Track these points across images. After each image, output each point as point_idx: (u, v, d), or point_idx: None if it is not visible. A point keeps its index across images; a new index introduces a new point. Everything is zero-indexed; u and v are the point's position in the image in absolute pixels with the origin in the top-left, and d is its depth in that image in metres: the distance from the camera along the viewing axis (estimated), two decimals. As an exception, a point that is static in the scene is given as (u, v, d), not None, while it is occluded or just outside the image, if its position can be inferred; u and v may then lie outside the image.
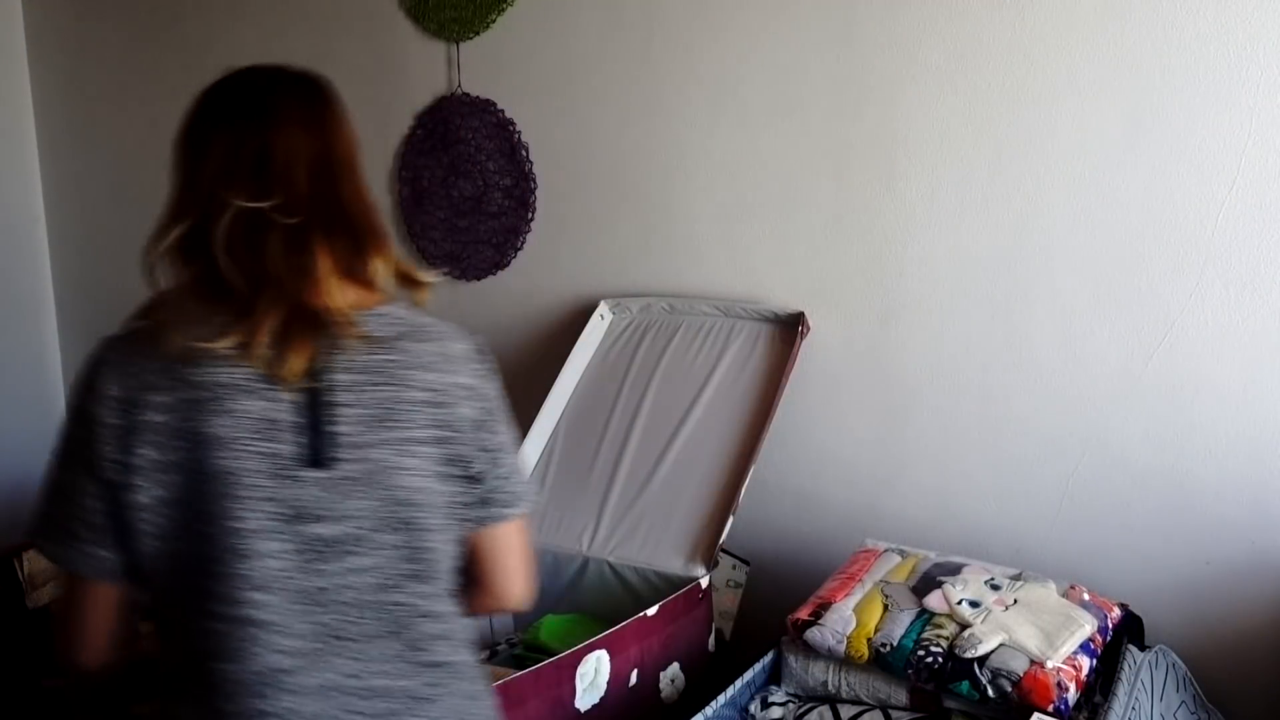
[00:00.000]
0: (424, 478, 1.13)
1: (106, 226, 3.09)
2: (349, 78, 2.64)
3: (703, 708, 1.59)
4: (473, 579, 1.21)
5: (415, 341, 1.16)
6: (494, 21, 2.41)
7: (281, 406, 1.08)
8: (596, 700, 1.62)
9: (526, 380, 2.44)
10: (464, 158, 2.50)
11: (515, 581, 1.23)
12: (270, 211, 1.11)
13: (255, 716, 1.09)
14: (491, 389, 1.20)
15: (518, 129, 2.43)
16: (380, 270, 1.16)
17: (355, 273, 1.14)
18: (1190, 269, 1.82)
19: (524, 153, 2.43)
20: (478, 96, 2.46)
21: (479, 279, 2.54)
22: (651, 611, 1.73)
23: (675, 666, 1.79)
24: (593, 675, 1.61)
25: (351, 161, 1.23)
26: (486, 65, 2.45)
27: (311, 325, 1.09)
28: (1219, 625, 1.86)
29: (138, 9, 2.99)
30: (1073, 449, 1.95)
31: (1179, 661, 1.75)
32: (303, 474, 1.08)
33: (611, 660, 1.64)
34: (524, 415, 2.20)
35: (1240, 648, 1.84)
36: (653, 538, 1.97)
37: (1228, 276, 1.80)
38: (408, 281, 1.21)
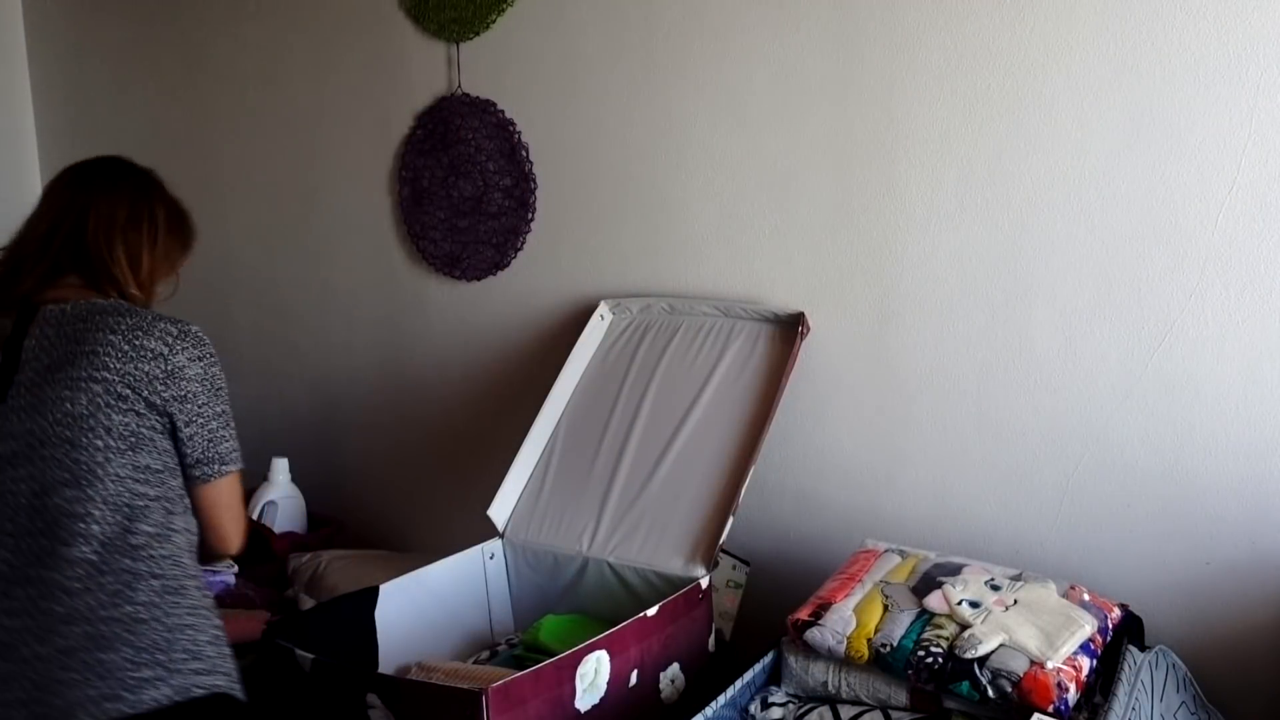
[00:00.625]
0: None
1: (106, 226, 3.09)
2: (349, 78, 2.67)
3: (703, 708, 1.59)
4: None
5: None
6: (494, 22, 2.41)
7: None
8: (596, 701, 1.62)
9: (526, 380, 2.44)
10: (464, 158, 2.50)
11: None
12: None
13: None
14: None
15: (518, 129, 2.43)
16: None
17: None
18: (1190, 269, 1.82)
19: (524, 153, 2.43)
20: (478, 97, 2.47)
21: (479, 279, 2.54)
22: (652, 612, 1.73)
23: (675, 667, 1.79)
24: (593, 676, 1.61)
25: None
26: (487, 65, 2.45)
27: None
28: (1219, 626, 1.86)
29: (138, 8, 2.99)
30: (1073, 449, 1.95)
31: (1179, 662, 1.75)
32: None
33: (611, 661, 1.64)
34: (524, 415, 2.20)
35: (1241, 648, 1.84)
36: (653, 538, 1.97)
37: (1228, 277, 1.80)
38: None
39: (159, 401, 1.53)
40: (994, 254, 1.97)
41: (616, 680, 1.66)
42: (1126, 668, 1.61)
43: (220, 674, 1.52)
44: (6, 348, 1.55)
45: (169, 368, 1.54)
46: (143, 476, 1.52)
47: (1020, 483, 2.00)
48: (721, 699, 1.63)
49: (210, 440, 1.58)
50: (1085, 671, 1.55)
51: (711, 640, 1.90)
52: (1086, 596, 1.71)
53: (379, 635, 1.88)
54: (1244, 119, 1.76)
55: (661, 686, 1.77)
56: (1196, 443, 1.85)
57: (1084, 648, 1.58)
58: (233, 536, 1.66)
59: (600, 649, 1.62)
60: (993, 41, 1.92)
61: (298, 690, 1.62)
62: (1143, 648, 1.72)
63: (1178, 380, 1.86)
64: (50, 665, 1.43)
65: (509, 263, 2.49)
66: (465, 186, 2.51)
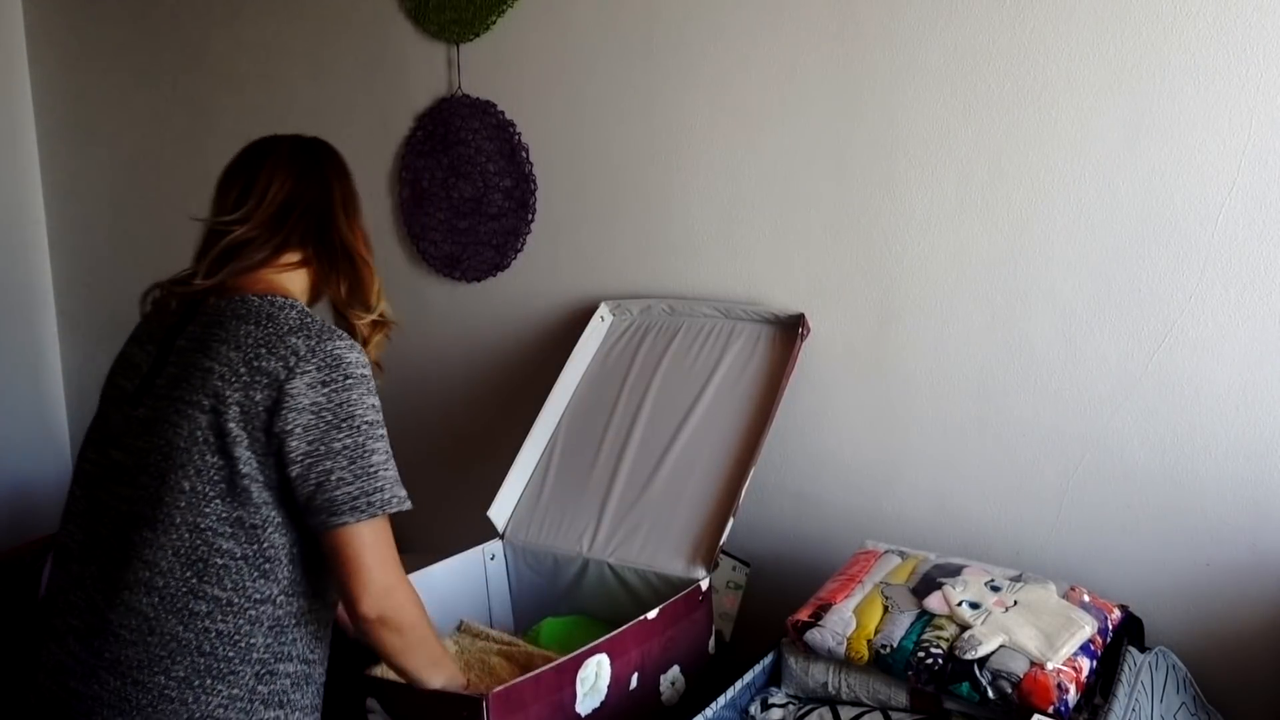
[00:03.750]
0: None
1: (106, 227, 3.10)
2: (349, 78, 2.67)
3: (703, 709, 1.59)
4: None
5: None
6: (494, 23, 2.41)
7: None
8: (597, 704, 1.62)
9: (527, 382, 2.44)
10: (464, 159, 2.50)
11: None
12: None
13: None
14: None
15: (518, 130, 2.43)
16: None
17: None
18: (1190, 270, 1.82)
19: (524, 154, 2.43)
20: (478, 98, 2.46)
21: (479, 280, 2.54)
22: (652, 614, 1.73)
23: (676, 669, 1.79)
24: (593, 679, 1.61)
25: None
26: (487, 67, 2.45)
27: None
28: (1219, 627, 1.86)
29: (138, 9, 2.99)
30: (1073, 450, 1.95)
31: (1179, 663, 1.75)
32: None
33: (612, 664, 1.64)
34: (524, 416, 2.20)
35: (1241, 649, 1.84)
36: (653, 539, 1.97)
37: (1227, 278, 1.80)
38: None
39: (265, 439, 1.30)
40: (994, 254, 1.97)
41: (617, 683, 1.66)
42: (1126, 669, 1.61)
43: None
44: (163, 342, 1.39)
45: (280, 395, 1.29)
46: (229, 530, 1.30)
47: (1020, 484, 2.00)
48: (721, 700, 1.63)
49: (320, 485, 1.30)
50: (1085, 672, 1.55)
51: (712, 642, 1.90)
52: (1086, 597, 1.71)
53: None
54: (1244, 119, 1.76)
55: (662, 689, 1.77)
56: (1196, 444, 1.85)
57: (1084, 649, 1.58)
58: (354, 599, 1.33)
59: (601, 652, 1.62)
60: (993, 41, 1.92)
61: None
62: (1143, 649, 1.72)
63: (1178, 381, 1.85)
64: (77, 707, 1.32)
65: (509, 264, 2.49)
66: (465, 188, 2.51)
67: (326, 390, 1.30)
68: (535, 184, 2.43)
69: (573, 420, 2.20)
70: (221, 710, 1.30)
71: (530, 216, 2.45)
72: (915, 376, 2.07)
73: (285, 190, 1.46)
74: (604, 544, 2.01)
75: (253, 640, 1.32)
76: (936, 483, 2.07)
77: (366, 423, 1.33)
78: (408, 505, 1.38)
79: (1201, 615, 1.87)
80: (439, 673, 1.46)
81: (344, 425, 1.31)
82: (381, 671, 1.56)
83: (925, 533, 2.07)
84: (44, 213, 3.20)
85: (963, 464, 2.04)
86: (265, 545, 1.32)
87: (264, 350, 1.31)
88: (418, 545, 2.65)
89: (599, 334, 2.29)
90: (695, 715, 1.58)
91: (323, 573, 1.38)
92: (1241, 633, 1.84)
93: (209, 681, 1.30)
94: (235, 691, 1.31)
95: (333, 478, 1.30)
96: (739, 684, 1.67)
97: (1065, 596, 1.70)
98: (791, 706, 1.68)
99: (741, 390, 2.08)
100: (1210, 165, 1.79)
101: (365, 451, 1.32)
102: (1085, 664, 1.56)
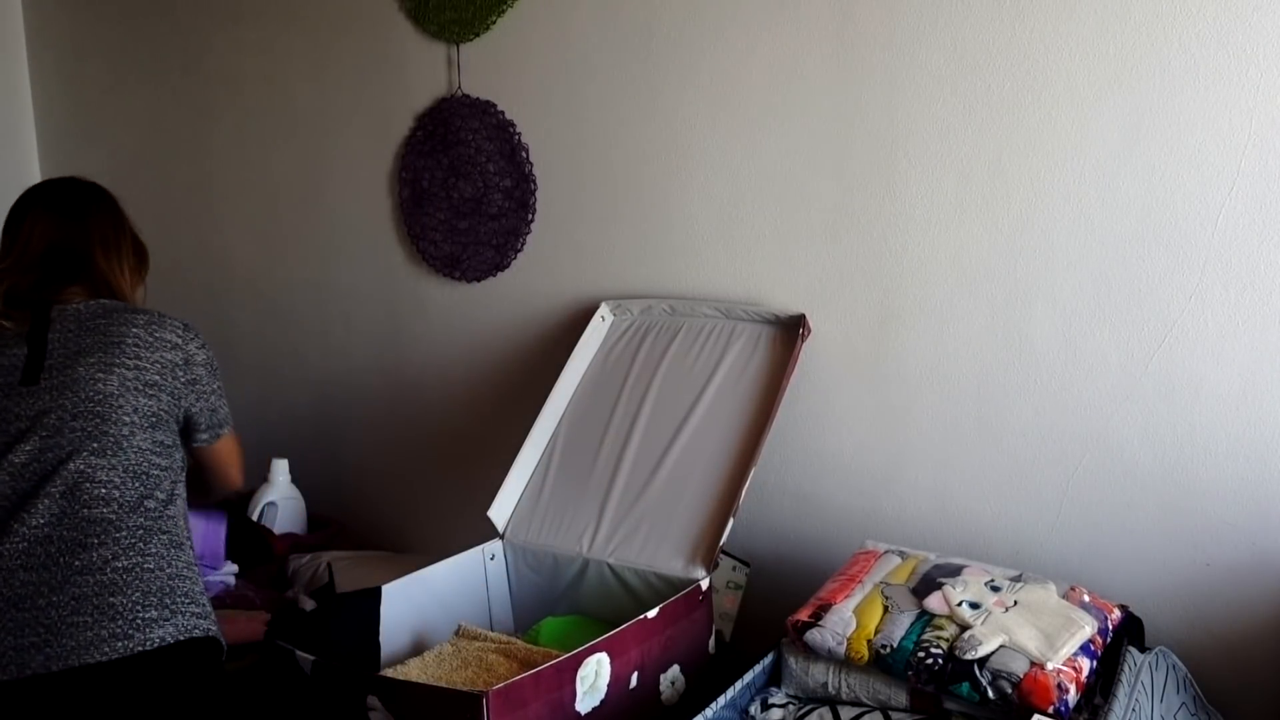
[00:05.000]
0: None
1: (106, 227, 3.09)
2: (349, 79, 2.67)
3: (703, 709, 1.59)
4: None
5: None
6: (494, 23, 2.41)
7: None
8: (597, 703, 1.62)
9: (527, 382, 2.44)
10: (464, 159, 2.50)
11: None
12: None
13: None
14: None
15: (518, 130, 2.43)
16: None
17: None
18: (1190, 270, 1.82)
19: (524, 154, 2.43)
20: (478, 98, 2.47)
21: (479, 280, 2.54)
22: (652, 614, 1.73)
23: (675, 668, 1.79)
24: (593, 678, 1.61)
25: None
26: (487, 67, 2.45)
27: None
28: (1220, 627, 1.86)
29: (138, 9, 2.99)
30: (1073, 450, 1.95)
31: (1179, 663, 1.75)
32: None
33: (612, 663, 1.64)
34: (524, 416, 2.20)
35: (1241, 650, 1.84)
36: (653, 540, 1.97)
37: (1228, 278, 1.80)
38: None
39: (177, 386, 1.81)
40: (994, 254, 1.97)
41: (617, 682, 1.66)
42: (1126, 669, 1.61)
43: (210, 620, 1.72)
44: (31, 340, 1.76)
45: (183, 356, 1.82)
46: (158, 450, 1.76)
47: (1020, 484, 2.00)
48: (721, 700, 1.63)
49: (213, 411, 1.89)
50: (1085, 672, 1.55)
51: (712, 642, 1.90)
52: (1086, 597, 1.71)
53: (380, 636, 1.88)
54: (1244, 120, 1.76)
55: (662, 688, 1.77)
56: (1197, 444, 1.85)
57: (1084, 649, 1.58)
58: (236, 479, 2.05)
59: (601, 651, 1.62)
60: (993, 41, 1.92)
61: (298, 692, 1.63)
62: (1143, 649, 1.72)
63: (1178, 381, 1.85)
64: (63, 611, 1.59)
65: (509, 264, 2.49)
66: (465, 188, 2.51)
67: (205, 352, 1.87)
68: (535, 184, 2.43)
69: (573, 420, 2.20)
70: (186, 568, 1.73)
71: (530, 216, 2.45)
72: (915, 376, 2.07)
73: (46, 236, 1.86)
74: (604, 544, 2.01)
75: (179, 522, 1.77)
76: (936, 483, 2.07)
77: (219, 370, 1.92)
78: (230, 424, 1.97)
79: (1201, 615, 1.87)
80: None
81: (217, 374, 1.90)
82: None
83: (925, 533, 2.07)
84: (44, 213, 3.19)
85: (963, 464, 2.04)
86: (175, 459, 1.81)
87: (154, 325, 1.81)
88: (417, 545, 2.66)
89: (599, 334, 2.29)
90: (695, 715, 1.58)
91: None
92: (1241, 633, 1.84)
93: (173, 551, 1.72)
94: (187, 557, 1.75)
95: (219, 407, 1.91)
96: (739, 684, 1.67)
97: (1065, 596, 1.70)
98: (791, 706, 1.68)
99: (742, 391, 2.08)
100: (1210, 165, 1.79)
101: (223, 391, 1.93)
102: (1085, 664, 1.56)
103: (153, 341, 1.80)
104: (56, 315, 1.79)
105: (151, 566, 1.67)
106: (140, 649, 1.60)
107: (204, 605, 1.73)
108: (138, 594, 1.64)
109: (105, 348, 1.76)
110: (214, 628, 1.72)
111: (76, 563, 1.63)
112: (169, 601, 1.66)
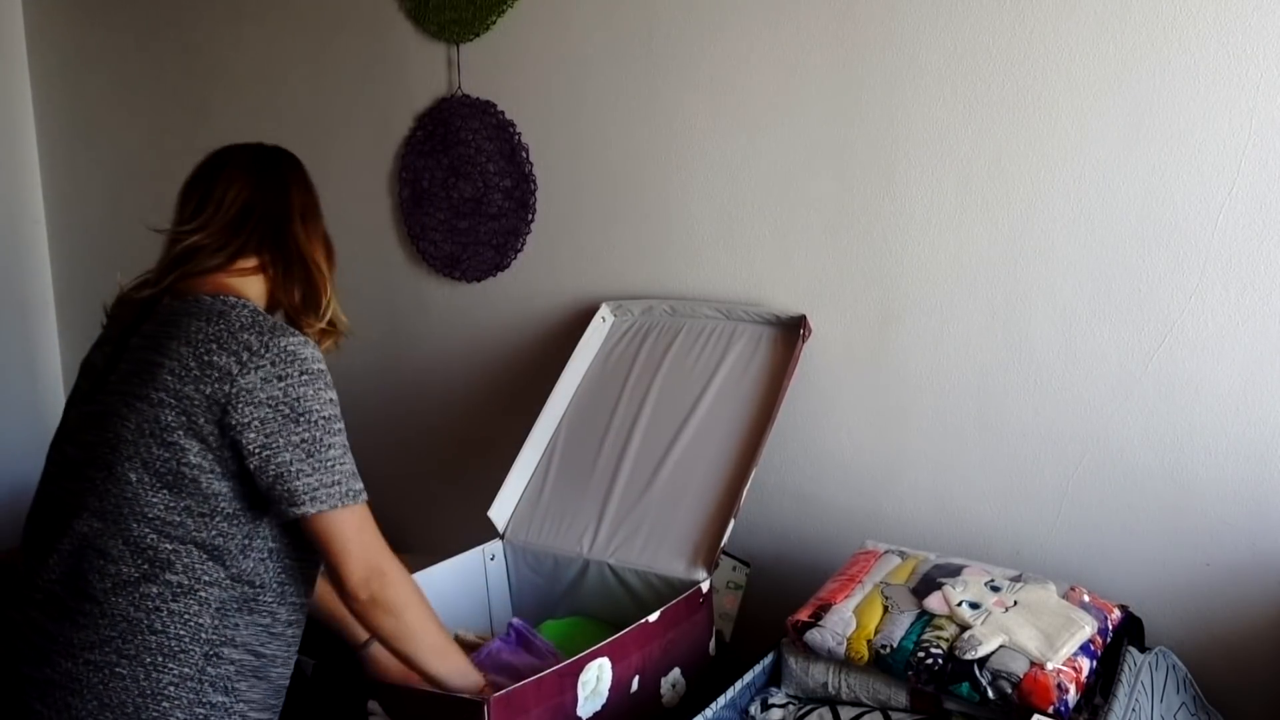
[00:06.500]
0: None
1: (106, 228, 3.09)
2: (349, 79, 2.67)
3: (703, 710, 1.59)
4: None
5: None
6: (494, 23, 2.41)
7: None
8: (598, 708, 1.62)
9: (527, 382, 2.44)
10: (464, 159, 2.50)
11: None
12: None
13: None
14: None
15: (518, 130, 2.43)
16: None
17: None
18: (1190, 270, 1.82)
19: (524, 154, 2.43)
20: (478, 98, 2.46)
21: (479, 280, 2.54)
22: (653, 618, 1.73)
23: (676, 671, 1.79)
24: (594, 683, 1.61)
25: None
26: (487, 67, 2.45)
27: None
28: (1219, 627, 1.86)
29: (138, 11, 2.99)
30: (1073, 450, 1.95)
31: (1179, 663, 1.75)
32: None
33: (613, 668, 1.64)
34: (525, 417, 2.20)
35: (1241, 649, 1.84)
36: (654, 541, 1.97)
37: (1227, 278, 1.80)
38: None
39: (218, 432, 1.33)
40: (994, 254, 1.97)
41: (618, 687, 1.66)
42: (1126, 669, 1.61)
43: None
44: (118, 341, 1.45)
45: (234, 390, 1.33)
46: (178, 519, 1.34)
47: (1020, 484, 2.00)
48: (721, 700, 1.63)
49: (279, 476, 1.34)
50: (1085, 672, 1.55)
51: (712, 643, 1.90)
52: (1086, 598, 1.71)
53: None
54: (1244, 119, 1.76)
55: (663, 691, 1.77)
56: (1197, 444, 1.85)
57: (1084, 649, 1.58)
58: (342, 582, 1.39)
59: (602, 656, 1.62)
60: (993, 41, 1.92)
61: (299, 696, 1.62)
62: (1143, 649, 1.72)
63: (1178, 381, 1.85)
64: (31, 692, 1.35)
65: (509, 264, 2.49)
66: (465, 188, 2.51)
67: (282, 385, 1.34)
68: (535, 184, 2.43)
69: (573, 421, 2.20)
70: (173, 688, 1.33)
71: (530, 216, 2.45)
72: (915, 376, 2.07)
73: (242, 197, 1.49)
74: (604, 545, 2.01)
75: (200, 620, 1.35)
76: (937, 483, 2.07)
77: (323, 417, 1.37)
78: (364, 498, 1.42)
79: (1201, 615, 1.87)
80: (444, 661, 1.49)
81: (301, 419, 1.35)
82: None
83: (925, 533, 2.07)
84: (44, 213, 3.20)
85: (963, 464, 2.04)
86: (213, 533, 1.35)
87: (215, 346, 1.35)
88: (418, 545, 2.66)
89: (600, 334, 2.29)
90: (695, 716, 1.58)
91: (272, 566, 1.41)
92: (1242, 633, 1.84)
93: (160, 659, 1.33)
94: (186, 670, 1.34)
95: (291, 469, 1.34)
96: (739, 684, 1.67)
97: (1065, 596, 1.70)
98: (791, 707, 1.69)
99: (743, 391, 2.08)
100: (1210, 165, 1.79)
101: (322, 445, 1.37)
102: (1085, 664, 1.56)
103: (196, 369, 1.34)
104: (156, 311, 1.43)
105: (124, 674, 1.32)
106: None
107: None
108: (94, 703, 1.32)
109: (142, 372, 1.37)
110: None
111: (60, 639, 1.35)
112: None
